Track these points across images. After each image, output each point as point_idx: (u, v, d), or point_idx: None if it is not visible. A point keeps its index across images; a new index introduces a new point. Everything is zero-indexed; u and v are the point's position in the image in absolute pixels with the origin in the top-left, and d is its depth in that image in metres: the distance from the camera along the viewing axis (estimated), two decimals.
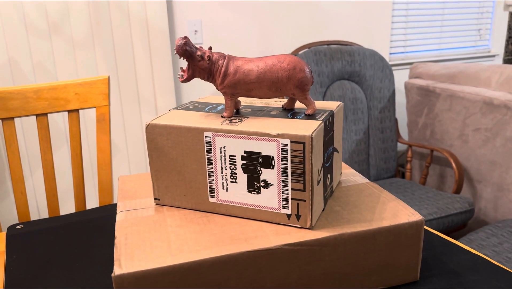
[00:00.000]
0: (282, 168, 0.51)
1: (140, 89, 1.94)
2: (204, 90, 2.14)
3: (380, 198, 0.60)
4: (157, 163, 0.58)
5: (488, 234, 1.47)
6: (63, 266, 0.62)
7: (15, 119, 1.77)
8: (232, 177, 0.54)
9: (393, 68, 2.57)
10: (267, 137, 0.51)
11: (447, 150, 1.99)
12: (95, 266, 0.62)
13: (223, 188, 0.55)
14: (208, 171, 0.55)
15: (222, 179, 0.55)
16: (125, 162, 1.98)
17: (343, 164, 0.74)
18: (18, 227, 0.75)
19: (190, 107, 0.63)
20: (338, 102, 0.63)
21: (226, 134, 0.53)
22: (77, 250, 0.66)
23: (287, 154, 0.51)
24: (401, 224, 0.53)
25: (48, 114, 1.73)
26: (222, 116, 0.57)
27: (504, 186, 1.80)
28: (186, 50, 0.54)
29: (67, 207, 1.95)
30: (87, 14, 1.78)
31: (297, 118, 0.55)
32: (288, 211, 0.53)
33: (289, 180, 0.51)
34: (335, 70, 2.02)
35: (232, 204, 0.56)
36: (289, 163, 0.51)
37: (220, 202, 0.56)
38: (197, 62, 0.56)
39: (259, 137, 0.51)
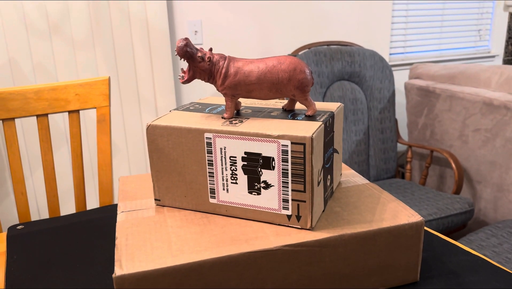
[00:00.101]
0: (282, 169, 0.51)
1: (140, 90, 1.94)
2: (204, 90, 2.14)
3: (380, 199, 0.60)
4: (158, 164, 0.58)
5: (488, 234, 1.47)
6: (64, 266, 0.62)
7: (16, 120, 1.77)
8: (232, 178, 0.55)
9: (393, 68, 2.57)
10: (267, 139, 0.51)
11: (447, 150, 1.99)
12: (96, 267, 0.62)
13: (223, 189, 0.56)
14: (209, 172, 0.56)
15: (223, 180, 0.55)
16: (125, 162, 1.99)
17: (343, 165, 0.74)
18: (18, 227, 0.75)
19: (191, 108, 0.63)
20: (338, 104, 0.63)
21: (226, 135, 0.53)
22: (78, 250, 0.67)
23: (287, 155, 0.51)
24: (401, 225, 0.53)
25: (49, 115, 1.74)
26: (222, 118, 0.57)
27: (504, 186, 1.80)
28: (186, 51, 0.55)
29: (67, 207, 1.95)
30: (87, 14, 1.78)
31: (297, 119, 0.56)
32: (289, 212, 0.53)
33: (290, 181, 0.52)
34: (335, 70, 2.02)
35: (233, 205, 0.56)
36: (289, 164, 0.51)
37: (221, 203, 0.56)
38: (197, 64, 0.56)
39: (259, 138, 0.51)
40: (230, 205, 0.56)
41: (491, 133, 1.82)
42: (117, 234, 0.53)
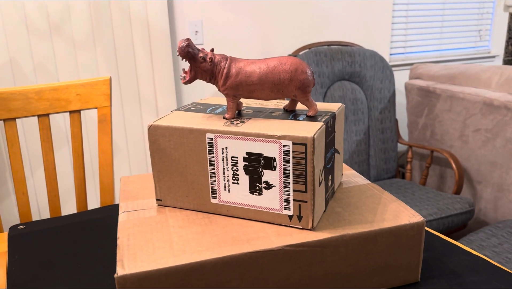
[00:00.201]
0: (284, 169, 0.52)
1: (141, 90, 1.94)
2: (204, 91, 2.14)
3: (381, 199, 0.60)
4: (159, 164, 0.58)
5: (488, 234, 1.47)
6: (65, 266, 0.63)
7: (17, 120, 1.77)
8: (234, 178, 0.55)
9: (393, 69, 2.57)
10: (269, 139, 0.51)
11: (447, 150, 1.99)
12: (97, 267, 0.62)
13: (225, 189, 0.56)
14: (210, 172, 0.56)
15: (224, 180, 0.55)
16: (126, 162, 1.99)
17: (344, 165, 0.74)
18: (20, 227, 0.75)
19: (192, 108, 0.63)
20: (340, 104, 0.64)
21: (228, 135, 0.53)
22: (79, 250, 0.67)
23: (289, 155, 0.51)
24: (402, 225, 0.53)
25: (50, 115, 1.74)
26: (224, 118, 0.58)
27: (504, 186, 1.80)
28: (188, 52, 0.55)
29: (68, 207, 1.95)
30: (88, 14, 1.79)
31: (298, 119, 0.56)
32: (290, 212, 0.53)
33: (291, 181, 0.52)
34: (336, 71, 2.02)
35: (234, 205, 0.56)
36: (291, 164, 0.51)
37: (222, 203, 0.57)
38: (199, 64, 0.56)
39: (261, 138, 0.52)
40: (232, 205, 0.56)
41: (491, 133, 1.82)
42: (119, 234, 0.53)
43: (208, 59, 0.56)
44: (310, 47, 2.26)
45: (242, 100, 0.68)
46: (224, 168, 0.55)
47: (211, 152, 0.55)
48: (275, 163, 0.52)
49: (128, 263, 0.47)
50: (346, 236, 0.51)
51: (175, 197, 0.59)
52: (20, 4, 1.68)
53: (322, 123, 0.54)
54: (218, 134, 0.53)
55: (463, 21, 2.73)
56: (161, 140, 0.57)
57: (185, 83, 0.57)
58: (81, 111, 1.88)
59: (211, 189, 0.56)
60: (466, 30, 2.76)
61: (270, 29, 2.19)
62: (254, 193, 0.54)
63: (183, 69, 0.57)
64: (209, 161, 0.55)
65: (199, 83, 2.12)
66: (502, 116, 1.76)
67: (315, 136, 0.50)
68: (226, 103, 0.66)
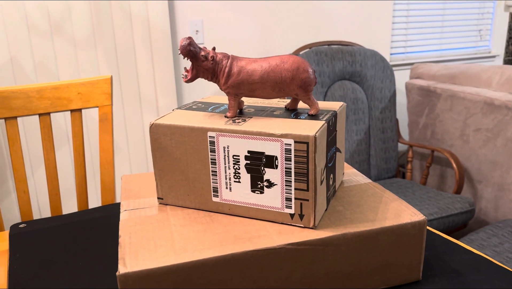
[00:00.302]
0: (285, 168, 0.52)
1: (142, 89, 1.94)
2: (205, 90, 2.14)
3: (383, 198, 0.60)
4: (161, 163, 0.58)
5: (489, 234, 1.47)
6: (66, 265, 0.63)
7: (18, 118, 1.77)
8: (235, 177, 0.55)
9: (394, 68, 2.57)
10: (270, 137, 0.51)
11: (447, 150, 1.99)
12: (98, 265, 0.62)
13: (226, 188, 0.56)
14: (212, 171, 0.56)
15: (226, 179, 0.55)
16: (126, 161, 1.99)
17: (345, 164, 0.74)
18: (21, 226, 0.75)
19: (194, 107, 0.63)
20: (341, 103, 0.64)
21: (229, 134, 0.53)
22: (80, 249, 0.67)
23: (290, 154, 0.51)
24: (404, 224, 0.53)
25: (51, 114, 1.74)
26: (225, 116, 0.58)
27: (504, 186, 1.80)
28: (190, 50, 0.55)
29: (69, 206, 1.95)
30: (89, 14, 1.79)
31: (300, 118, 0.56)
32: (292, 211, 0.53)
33: (293, 180, 0.52)
34: (336, 70, 2.02)
35: (236, 204, 0.56)
36: (292, 162, 0.51)
37: (224, 202, 0.57)
38: (201, 63, 0.56)
39: (262, 137, 0.52)
40: (233, 203, 0.56)
41: (492, 133, 1.82)
42: (120, 232, 0.53)
43: (209, 57, 0.56)
44: (311, 46, 2.26)
45: (243, 99, 0.68)
46: (225, 167, 0.55)
47: (213, 151, 0.55)
48: (276, 161, 0.52)
49: (130, 261, 0.47)
50: (348, 235, 0.51)
51: (176, 195, 0.59)
52: (20, 4, 1.68)
53: (324, 122, 0.54)
54: (219, 133, 0.53)
55: (463, 21, 2.73)
56: (163, 139, 0.57)
57: (187, 81, 0.57)
58: (82, 110, 1.88)
59: (213, 187, 0.56)
60: (467, 30, 2.76)
61: (270, 28, 2.19)
62: (256, 192, 0.54)
63: (185, 68, 0.57)
64: (211, 159, 0.55)
65: (200, 82, 2.12)
66: (502, 116, 1.76)
67: (316, 135, 0.50)
68: (227, 102, 0.66)
